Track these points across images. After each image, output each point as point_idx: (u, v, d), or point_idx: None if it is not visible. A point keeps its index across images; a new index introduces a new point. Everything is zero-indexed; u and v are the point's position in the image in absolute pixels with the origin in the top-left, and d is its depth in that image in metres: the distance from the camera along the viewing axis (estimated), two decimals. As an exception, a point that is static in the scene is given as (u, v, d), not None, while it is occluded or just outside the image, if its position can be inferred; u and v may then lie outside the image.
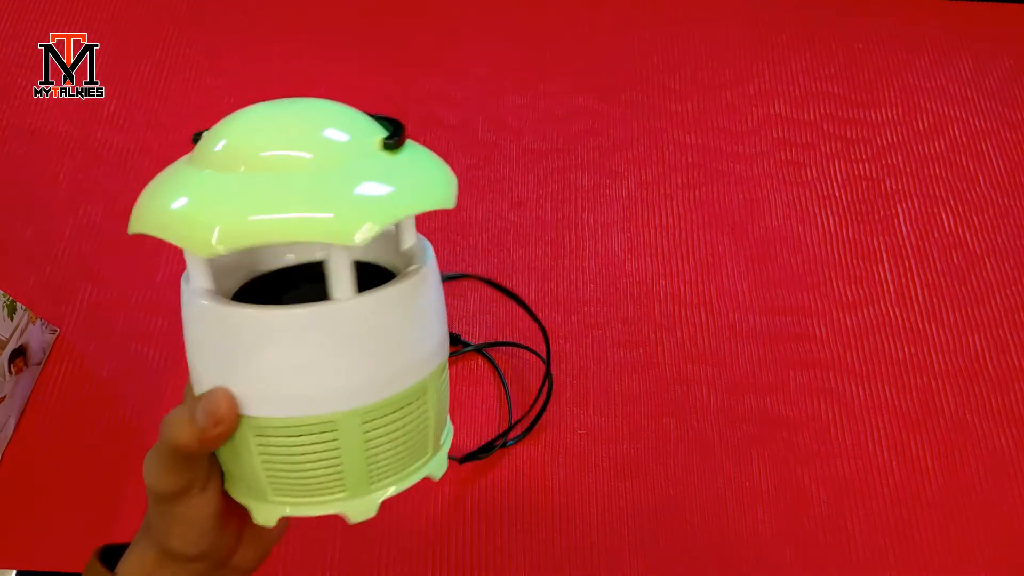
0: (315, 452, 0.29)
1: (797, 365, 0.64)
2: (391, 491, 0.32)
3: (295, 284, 0.36)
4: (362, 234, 0.26)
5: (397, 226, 0.31)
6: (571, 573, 0.55)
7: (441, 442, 0.34)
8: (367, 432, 0.30)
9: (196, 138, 0.30)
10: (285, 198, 0.26)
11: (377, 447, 0.30)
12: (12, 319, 0.55)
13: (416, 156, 0.30)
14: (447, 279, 0.66)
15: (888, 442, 0.61)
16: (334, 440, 0.29)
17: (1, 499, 0.56)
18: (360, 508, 0.31)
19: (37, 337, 0.59)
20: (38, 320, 0.59)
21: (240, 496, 0.32)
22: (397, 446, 0.31)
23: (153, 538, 0.32)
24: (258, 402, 0.29)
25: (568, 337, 0.64)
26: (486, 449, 0.58)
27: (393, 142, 0.29)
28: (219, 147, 0.28)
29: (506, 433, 0.59)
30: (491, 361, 0.63)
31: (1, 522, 0.55)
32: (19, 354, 0.57)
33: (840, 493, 0.58)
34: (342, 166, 0.27)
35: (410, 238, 0.31)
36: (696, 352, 0.64)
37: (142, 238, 0.69)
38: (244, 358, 0.28)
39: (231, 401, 0.29)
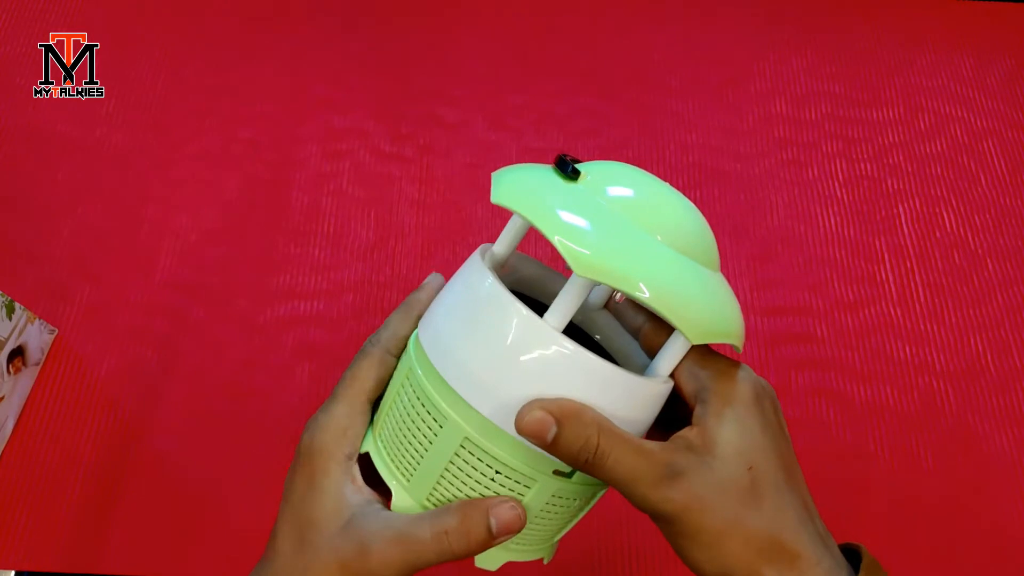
0: (475, 470, 0.30)
1: (798, 365, 0.63)
2: (513, 557, 0.32)
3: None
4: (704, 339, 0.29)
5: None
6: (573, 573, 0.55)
7: (556, 540, 0.35)
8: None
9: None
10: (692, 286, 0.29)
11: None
12: (10, 319, 0.55)
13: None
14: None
15: (888, 442, 0.61)
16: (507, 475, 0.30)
17: (-1, 499, 0.56)
18: (483, 556, 0.31)
19: (35, 337, 0.59)
20: (36, 320, 0.59)
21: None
22: (545, 521, 0.32)
23: None
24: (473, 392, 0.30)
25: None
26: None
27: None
28: (639, 206, 0.31)
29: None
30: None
31: (-1, 522, 0.56)
32: (17, 354, 0.57)
33: (840, 494, 0.58)
34: (718, 279, 0.31)
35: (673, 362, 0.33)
36: (696, 352, 0.64)
37: (139, 238, 0.69)
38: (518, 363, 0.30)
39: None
